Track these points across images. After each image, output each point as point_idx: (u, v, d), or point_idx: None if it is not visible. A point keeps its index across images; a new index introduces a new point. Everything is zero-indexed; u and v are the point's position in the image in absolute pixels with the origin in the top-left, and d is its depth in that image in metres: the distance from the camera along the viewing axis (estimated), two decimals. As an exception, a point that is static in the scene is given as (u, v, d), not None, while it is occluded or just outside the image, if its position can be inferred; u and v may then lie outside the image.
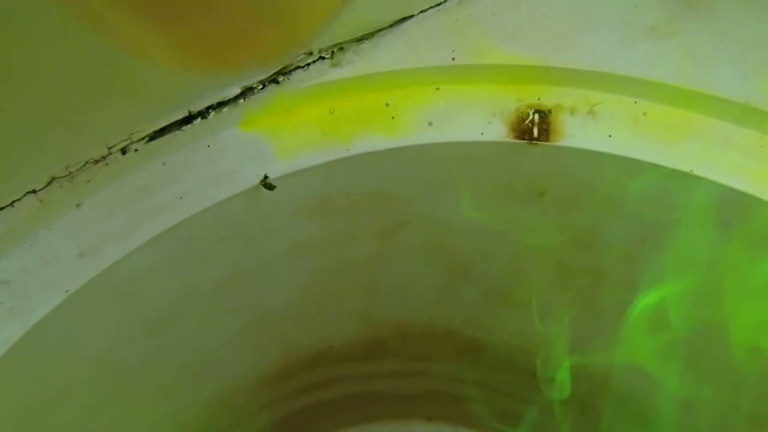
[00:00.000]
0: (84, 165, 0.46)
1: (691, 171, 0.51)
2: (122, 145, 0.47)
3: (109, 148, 0.47)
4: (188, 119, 0.49)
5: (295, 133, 0.52)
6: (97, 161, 0.47)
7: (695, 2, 0.50)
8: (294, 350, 0.68)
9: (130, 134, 0.47)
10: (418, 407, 0.75)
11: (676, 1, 0.50)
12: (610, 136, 0.52)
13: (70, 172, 0.45)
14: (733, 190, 0.50)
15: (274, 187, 0.50)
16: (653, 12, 0.51)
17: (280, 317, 0.64)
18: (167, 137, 0.48)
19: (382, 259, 0.59)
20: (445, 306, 0.63)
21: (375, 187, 0.53)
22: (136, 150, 0.48)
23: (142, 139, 0.48)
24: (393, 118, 0.52)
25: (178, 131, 0.48)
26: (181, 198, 0.50)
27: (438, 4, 0.51)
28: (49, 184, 0.46)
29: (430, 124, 0.52)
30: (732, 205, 0.51)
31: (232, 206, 0.52)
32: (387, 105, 0.52)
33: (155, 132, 0.48)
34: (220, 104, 0.49)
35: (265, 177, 0.50)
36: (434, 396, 0.74)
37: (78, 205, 0.47)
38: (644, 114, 0.52)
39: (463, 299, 0.65)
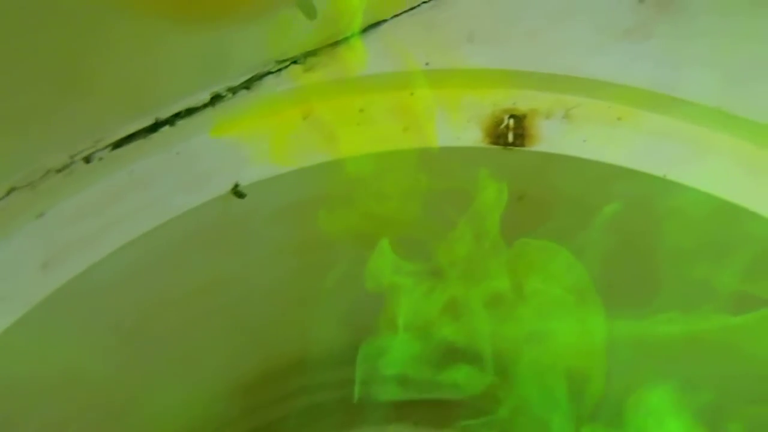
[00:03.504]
0: (45, 174, 0.45)
1: (664, 175, 0.51)
2: (86, 153, 0.46)
3: (72, 157, 0.45)
4: (155, 126, 0.47)
5: (268, 138, 0.51)
6: (59, 170, 0.45)
7: (668, 6, 0.50)
8: (274, 356, 0.67)
9: (94, 142, 0.46)
10: (403, 413, 0.75)
11: (650, 6, 0.50)
12: (584, 140, 0.51)
13: (31, 182, 0.44)
14: (706, 195, 0.51)
15: (245, 195, 0.49)
16: (628, 16, 0.51)
17: (259, 323, 0.63)
18: (134, 145, 0.47)
19: (363, 262, 0.58)
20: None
21: (350, 192, 0.52)
22: (100, 158, 0.47)
23: (107, 147, 0.46)
24: (367, 123, 0.51)
25: (144, 139, 0.47)
26: (149, 206, 0.48)
27: (411, 9, 0.51)
28: (8, 194, 0.44)
29: (404, 129, 0.52)
30: (705, 209, 0.51)
31: (205, 213, 0.51)
32: (361, 110, 0.52)
33: (121, 140, 0.46)
34: (189, 111, 0.48)
35: (236, 185, 0.49)
36: (420, 401, 0.74)
37: (40, 215, 0.46)
38: (618, 118, 0.52)
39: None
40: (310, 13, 0.45)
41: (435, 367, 0.52)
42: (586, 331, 0.50)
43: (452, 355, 0.53)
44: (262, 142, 0.50)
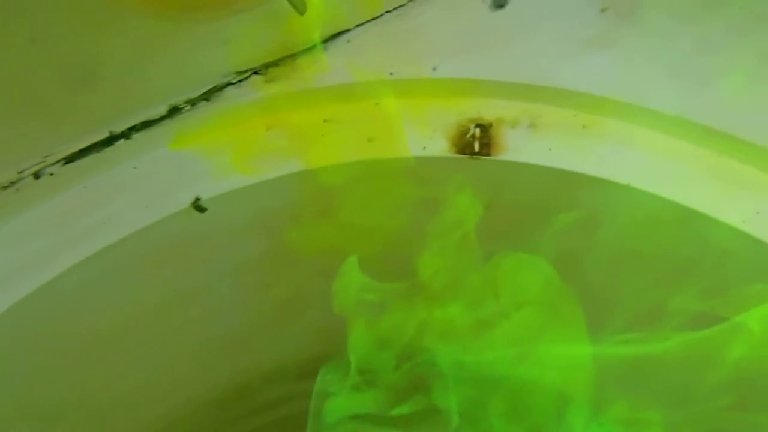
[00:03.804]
0: (-9, 192, 0.43)
1: (628, 183, 0.51)
2: (35, 169, 0.44)
3: (20, 173, 0.43)
4: (110, 140, 0.46)
5: (230, 151, 0.50)
6: (5, 187, 0.43)
7: (630, 15, 0.50)
8: (245, 370, 0.66)
9: (44, 157, 0.44)
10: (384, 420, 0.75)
11: (612, 15, 0.51)
12: (550, 149, 0.52)
13: (-25, 201, 0.42)
14: (670, 202, 0.51)
15: (206, 209, 0.48)
16: (591, 25, 0.51)
17: (228, 337, 0.61)
18: (87, 159, 0.45)
19: (332, 274, 0.57)
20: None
21: (316, 204, 0.51)
22: (51, 174, 0.45)
23: (58, 162, 0.44)
24: (332, 134, 0.50)
25: (98, 153, 0.45)
26: (105, 223, 0.46)
27: (375, 18, 0.50)
28: (-49, 213, 0.42)
29: (369, 140, 0.51)
30: (669, 217, 0.52)
31: (165, 228, 0.49)
32: (325, 121, 0.51)
33: (73, 154, 0.45)
34: (146, 124, 0.47)
35: (197, 199, 0.48)
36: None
37: (-13, 235, 0.44)
38: (584, 126, 0.52)
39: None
40: (300, 7, 0.43)
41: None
42: (569, 353, 0.50)
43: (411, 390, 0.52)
44: (223, 154, 0.49)
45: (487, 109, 0.52)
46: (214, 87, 0.47)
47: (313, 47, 0.49)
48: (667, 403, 0.45)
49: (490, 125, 0.52)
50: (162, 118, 0.47)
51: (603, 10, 0.49)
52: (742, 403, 0.49)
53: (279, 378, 0.67)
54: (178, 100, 0.47)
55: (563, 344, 0.48)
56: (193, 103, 0.47)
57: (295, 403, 0.61)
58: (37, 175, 0.44)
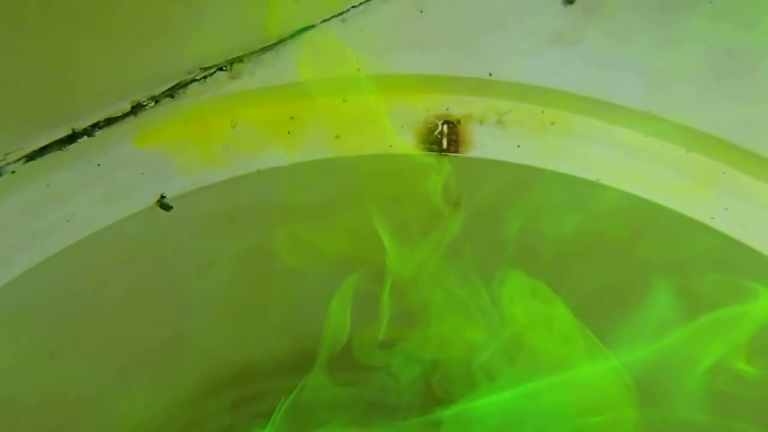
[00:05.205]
0: (-50, 190, 0.42)
1: (597, 180, 0.51)
2: (-4, 166, 0.44)
3: (-19, 171, 0.43)
4: (72, 137, 0.45)
5: (196, 148, 0.50)
6: (-34, 185, 0.43)
7: (596, 10, 0.50)
8: (214, 368, 0.66)
9: (5, 155, 0.44)
10: (354, 417, 0.74)
11: (579, 10, 0.50)
12: (518, 146, 0.51)
13: (-67, 199, 0.42)
14: (638, 198, 0.51)
15: (171, 207, 0.47)
16: (558, 19, 0.51)
17: (195, 335, 0.61)
18: (49, 157, 0.45)
19: (299, 271, 0.57)
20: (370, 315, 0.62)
21: (283, 201, 0.51)
22: (13, 171, 0.44)
23: (20, 159, 0.44)
24: (298, 131, 0.50)
25: (60, 150, 0.45)
26: (68, 221, 0.46)
27: (341, 14, 0.50)
28: None
29: (336, 137, 0.51)
30: (638, 213, 0.51)
31: (128, 226, 0.49)
32: (292, 118, 0.50)
33: (34, 152, 0.44)
34: (108, 121, 0.46)
35: (162, 197, 0.48)
36: (371, 404, 0.73)
37: (-54, 234, 0.44)
38: (552, 123, 0.52)
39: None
40: None
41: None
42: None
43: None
44: (188, 151, 0.48)
45: (455, 106, 0.51)
46: (179, 83, 0.47)
47: (279, 43, 0.49)
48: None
49: (458, 122, 0.52)
50: (125, 115, 0.46)
51: (569, 2, 0.49)
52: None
53: (248, 376, 0.67)
54: (142, 96, 0.46)
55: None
56: (156, 99, 0.47)
57: (266, 400, 0.61)
58: (-2, 173, 0.44)
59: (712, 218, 0.51)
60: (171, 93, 0.48)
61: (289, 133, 0.50)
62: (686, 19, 0.48)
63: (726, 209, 0.51)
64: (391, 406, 0.63)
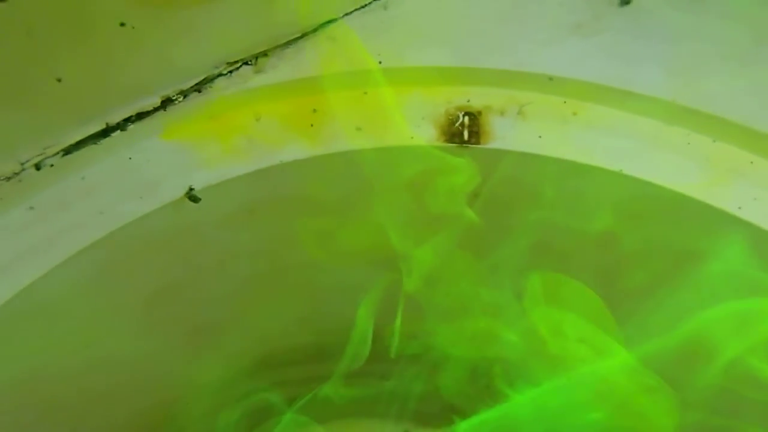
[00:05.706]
0: (-6, 183, 0.45)
1: (620, 170, 0.51)
2: (36, 160, 0.46)
3: (22, 164, 0.45)
4: (106, 132, 0.47)
5: (221, 141, 0.51)
6: (9, 178, 0.45)
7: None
8: (233, 358, 0.67)
9: (44, 149, 0.46)
10: (367, 408, 0.75)
11: (601, 0, 0.50)
12: (540, 137, 0.51)
13: (-22, 191, 0.44)
14: (662, 188, 0.51)
15: (200, 199, 0.49)
16: (579, 10, 0.51)
17: (216, 326, 0.63)
18: (84, 151, 0.47)
19: (319, 264, 0.58)
20: (387, 307, 0.62)
21: (304, 194, 0.52)
22: (51, 165, 0.46)
23: (57, 153, 0.46)
24: (321, 124, 0.51)
25: (95, 144, 0.47)
26: (101, 213, 0.48)
27: (363, 7, 0.50)
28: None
29: (358, 129, 0.51)
30: (663, 204, 0.51)
31: (157, 219, 0.50)
32: (314, 111, 0.51)
33: (71, 146, 0.46)
34: (140, 115, 0.48)
35: (190, 189, 0.49)
36: (390, 395, 0.74)
37: (-9, 224, 0.46)
38: (574, 113, 0.52)
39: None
40: None
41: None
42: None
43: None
44: (213, 145, 0.50)
45: (476, 97, 0.52)
46: (206, 78, 0.49)
47: (302, 37, 0.50)
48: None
49: (479, 113, 0.52)
50: (155, 110, 0.48)
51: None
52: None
53: (268, 366, 0.68)
54: (171, 91, 0.48)
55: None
56: (185, 94, 0.49)
57: (285, 390, 0.62)
58: (38, 167, 0.46)
59: (740, 208, 0.50)
60: (198, 87, 0.49)
61: (312, 125, 0.51)
62: (711, 6, 0.48)
63: (755, 199, 0.50)
64: (409, 397, 0.64)
